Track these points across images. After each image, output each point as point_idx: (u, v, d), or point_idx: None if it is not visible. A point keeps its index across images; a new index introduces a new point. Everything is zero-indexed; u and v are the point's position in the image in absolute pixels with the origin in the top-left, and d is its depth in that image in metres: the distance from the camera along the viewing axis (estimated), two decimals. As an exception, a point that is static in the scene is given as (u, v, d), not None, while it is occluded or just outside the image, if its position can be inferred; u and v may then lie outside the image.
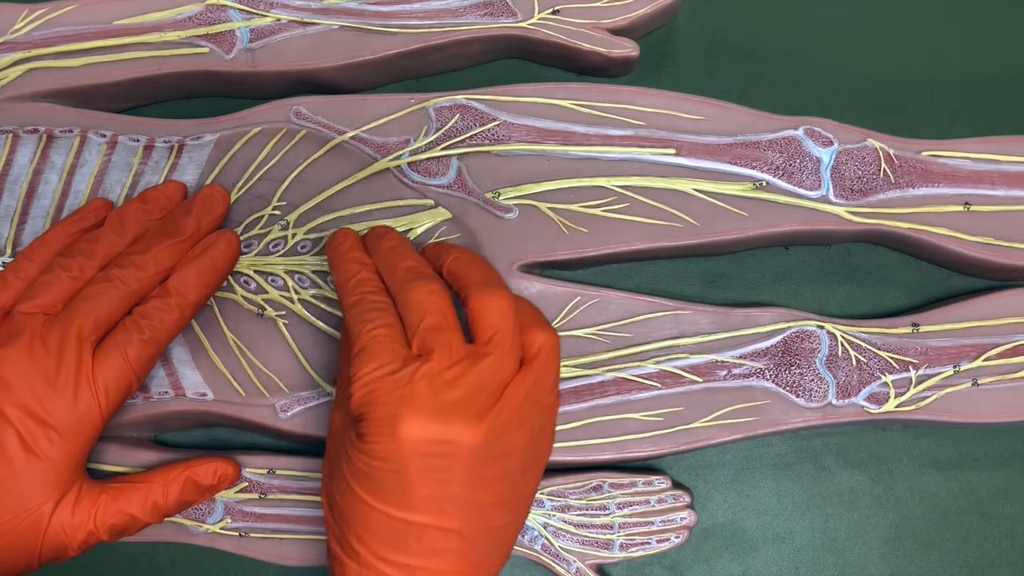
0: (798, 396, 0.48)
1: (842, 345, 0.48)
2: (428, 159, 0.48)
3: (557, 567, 0.48)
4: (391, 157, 0.48)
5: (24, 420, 0.41)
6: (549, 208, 0.48)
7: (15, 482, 0.41)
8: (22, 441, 0.41)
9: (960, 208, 0.48)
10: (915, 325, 0.49)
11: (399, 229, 0.48)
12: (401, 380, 0.38)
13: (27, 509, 0.41)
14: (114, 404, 0.42)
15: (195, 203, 0.46)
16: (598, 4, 0.49)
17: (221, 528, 0.48)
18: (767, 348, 0.48)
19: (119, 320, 0.43)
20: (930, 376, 0.48)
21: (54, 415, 0.41)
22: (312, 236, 0.48)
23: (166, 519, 0.46)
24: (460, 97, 0.48)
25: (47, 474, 0.41)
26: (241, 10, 0.48)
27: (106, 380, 0.42)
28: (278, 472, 0.48)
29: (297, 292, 0.48)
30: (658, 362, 0.48)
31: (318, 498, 0.47)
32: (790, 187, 0.48)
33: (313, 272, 0.48)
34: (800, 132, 0.49)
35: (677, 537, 0.48)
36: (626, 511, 0.48)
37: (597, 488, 0.48)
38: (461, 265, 0.42)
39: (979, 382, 0.48)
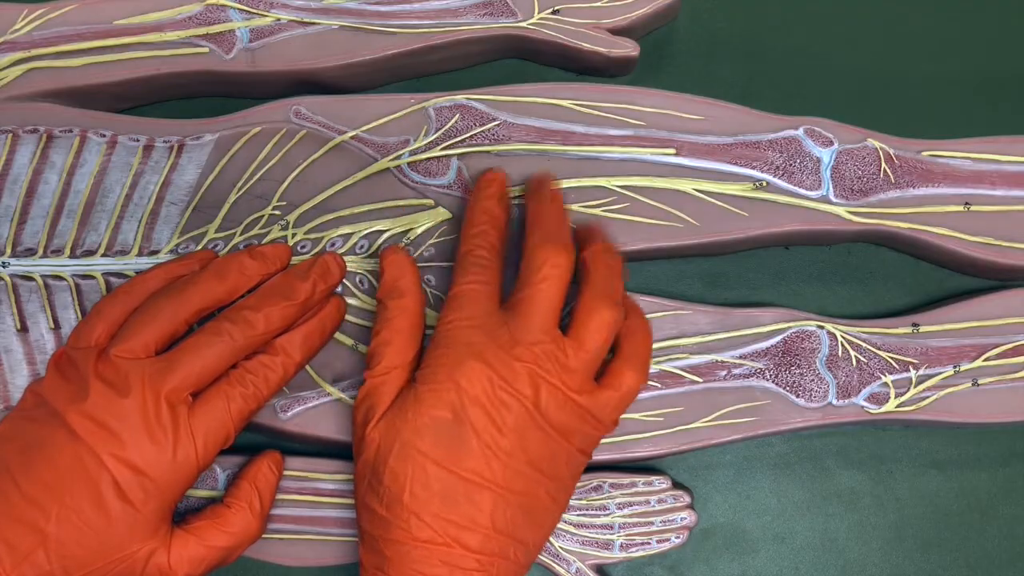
0: (798, 396, 0.48)
1: (842, 345, 0.48)
2: (428, 159, 0.48)
3: (557, 567, 0.48)
4: (391, 157, 0.48)
5: (121, 469, 0.41)
6: (549, 208, 0.48)
7: (109, 529, 0.41)
8: (118, 489, 0.41)
9: (960, 208, 0.48)
10: (915, 325, 0.49)
11: (399, 229, 0.48)
12: (478, 334, 0.41)
13: (121, 556, 0.41)
14: (211, 455, 0.42)
15: (313, 268, 0.45)
16: (598, 4, 0.49)
17: (221, 528, 0.48)
18: (767, 348, 0.48)
19: (221, 371, 0.43)
20: (930, 376, 0.48)
21: (152, 465, 0.41)
22: (312, 236, 0.48)
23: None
24: (460, 97, 0.48)
25: (141, 522, 0.41)
26: (241, 10, 0.48)
27: (206, 431, 0.42)
28: (278, 472, 0.48)
29: (297, 292, 0.47)
30: (658, 362, 0.48)
31: (318, 498, 0.47)
32: (790, 187, 0.48)
33: (313, 272, 0.48)
34: (800, 132, 0.49)
35: (677, 537, 0.48)
36: (626, 511, 0.48)
37: (597, 488, 0.48)
38: (595, 261, 0.44)
39: (979, 382, 0.48)
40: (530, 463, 0.41)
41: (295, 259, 0.47)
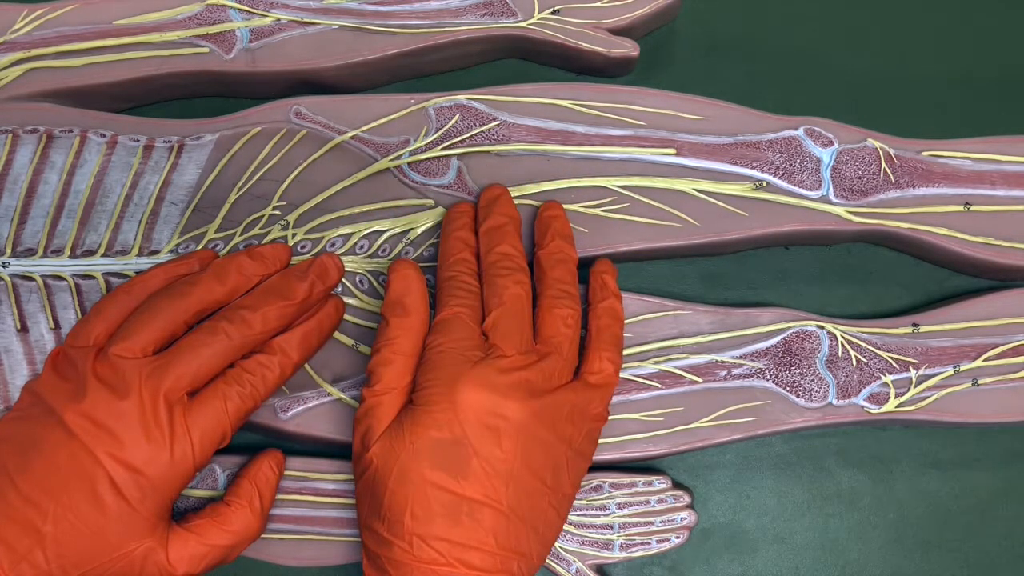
0: (798, 396, 0.48)
1: (842, 345, 0.48)
2: (428, 159, 0.48)
3: (557, 567, 0.48)
4: (391, 157, 0.48)
5: (118, 468, 0.41)
6: (549, 208, 0.48)
7: (107, 528, 0.41)
8: (115, 488, 0.41)
9: (960, 208, 0.48)
10: (915, 325, 0.49)
11: (399, 229, 0.48)
12: (467, 356, 0.42)
13: (118, 554, 0.41)
14: (208, 454, 0.42)
15: (311, 268, 0.45)
16: (598, 4, 0.49)
17: (221, 528, 0.48)
18: (767, 348, 0.48)
19: (218, 370, 0.43)
20: (930, 376, 0.48)
21: (148, 464, 0.41)
22: (312, 236, 0.48)
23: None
24: (460, 97, 0.48)
25: (138, 521, 0.41)
26: (241, 10, 0.48)
27: (202, 430, 0.42)
28: (278, 472, 0.48)
29: (297, 292, 0.47)
30: (658, 362, 0.48)
31: (318, 498, 0.47)
32: (790, 187, 0.48)
33: (313, 272, 0.48)
34: (800, 132, 0.49)
35: (677, 537, 0.48)
36: (626, 511, 0.48)
37: (597, 488, 0.48)
38: (550, 261, 0.45)
39: (979, 382, 0.48)
40: (532, 475, 0.41)
41: (295, 259, 0.47)
